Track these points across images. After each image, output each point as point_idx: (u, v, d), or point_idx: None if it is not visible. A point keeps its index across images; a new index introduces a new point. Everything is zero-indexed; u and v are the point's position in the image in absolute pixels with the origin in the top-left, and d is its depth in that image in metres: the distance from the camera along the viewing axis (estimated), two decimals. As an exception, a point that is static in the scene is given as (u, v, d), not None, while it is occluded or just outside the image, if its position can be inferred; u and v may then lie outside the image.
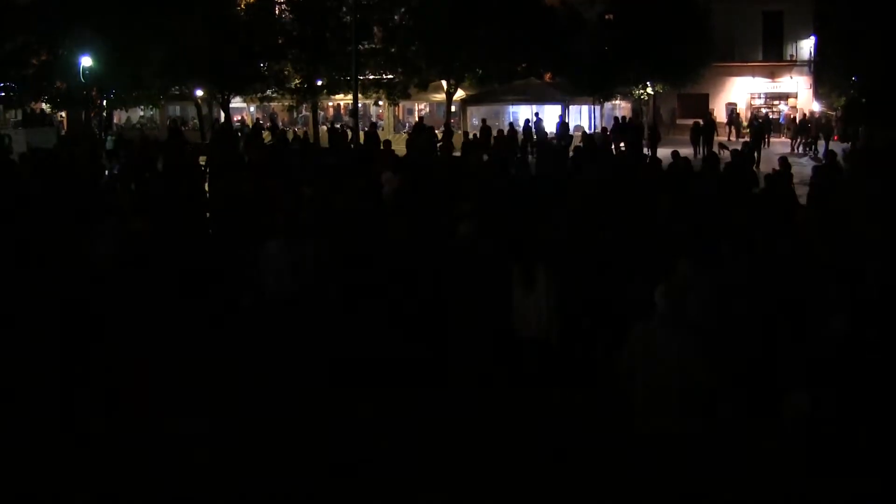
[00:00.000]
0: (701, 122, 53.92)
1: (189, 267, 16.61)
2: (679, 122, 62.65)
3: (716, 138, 51.45)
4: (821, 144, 52.64)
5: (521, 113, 56.84)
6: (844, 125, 56.11)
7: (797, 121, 62.24)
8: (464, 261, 14.39)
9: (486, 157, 32.77)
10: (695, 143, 50.79)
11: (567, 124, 50.51)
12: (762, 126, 53.78)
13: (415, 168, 25.88)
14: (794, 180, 24.74)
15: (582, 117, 60.23)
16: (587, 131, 50.93)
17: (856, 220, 17.39)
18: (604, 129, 50.94)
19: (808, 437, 10.68)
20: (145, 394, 13.32)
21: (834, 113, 64.55)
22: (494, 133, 44.93)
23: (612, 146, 44.24)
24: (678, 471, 9.31)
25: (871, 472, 10.38)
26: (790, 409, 10.89)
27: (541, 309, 12.66)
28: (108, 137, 48.56)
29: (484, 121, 51.80)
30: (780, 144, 57.81)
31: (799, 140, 57.42)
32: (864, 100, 51.89)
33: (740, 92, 71.89)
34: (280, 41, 54.23)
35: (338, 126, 52.46)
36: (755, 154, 43.76)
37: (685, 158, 26.87)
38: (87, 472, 11.13)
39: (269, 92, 55.76)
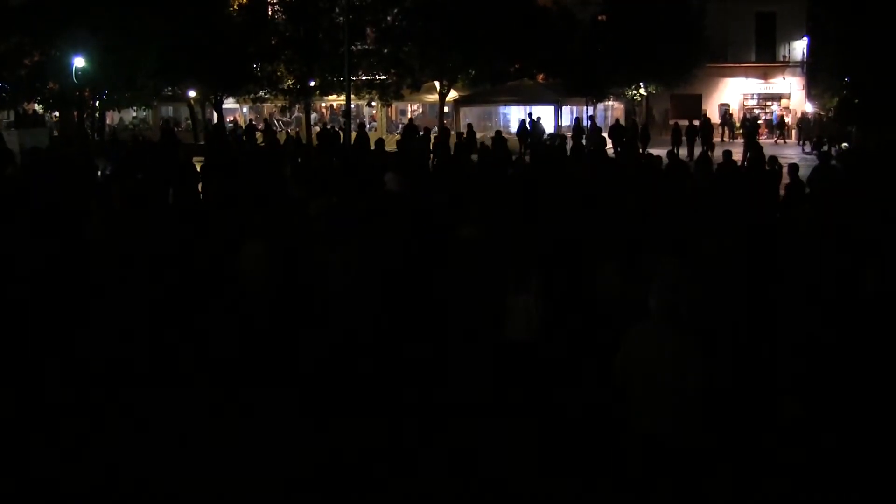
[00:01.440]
0: (684, 123, 53.92)
1: (180, 264, 16.58)
2: (672, 122, 62.73)
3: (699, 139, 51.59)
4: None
5: (513, 114, 56.99)
6: (838, 126, 56.27)
7: (807, 121, 62.82)
8: (465, 262, 14.41)
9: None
10: (675, 146, 50.39)
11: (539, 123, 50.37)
12: (753, 127, 53.77)
13: (415, 169, 25.84)
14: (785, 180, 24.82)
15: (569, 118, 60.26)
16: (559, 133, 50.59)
17: (854, 221, 17.41)
18: (598, 129, 51.07)
19: (802, 438, 10.72)
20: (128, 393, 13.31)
21: (825, 113, 64.75)
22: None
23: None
24: (673, 471, 9.30)
25: (865, 473, 10.42)
26: (784, 411, 10.92)
27: (531, 311, 12.68)
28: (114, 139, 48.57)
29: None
30: (769, 146, 58.11)
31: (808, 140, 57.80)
32: (856, 100, 51.90)
33: (733, 93, 71.93)
34: (273, 42, 54.25)
35: (329, 127, 52.45)
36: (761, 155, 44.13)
37: (681, 159, 26.98)
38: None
39: (261, 93, 55.77)
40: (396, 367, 13.73)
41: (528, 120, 51.23)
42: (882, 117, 45.51)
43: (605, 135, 48.35)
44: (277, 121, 61.83)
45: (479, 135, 46.81)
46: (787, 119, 69.18)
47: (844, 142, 52.31)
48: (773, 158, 25.99)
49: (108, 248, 16.50)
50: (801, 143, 60.96)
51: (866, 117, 48.68)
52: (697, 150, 47.56)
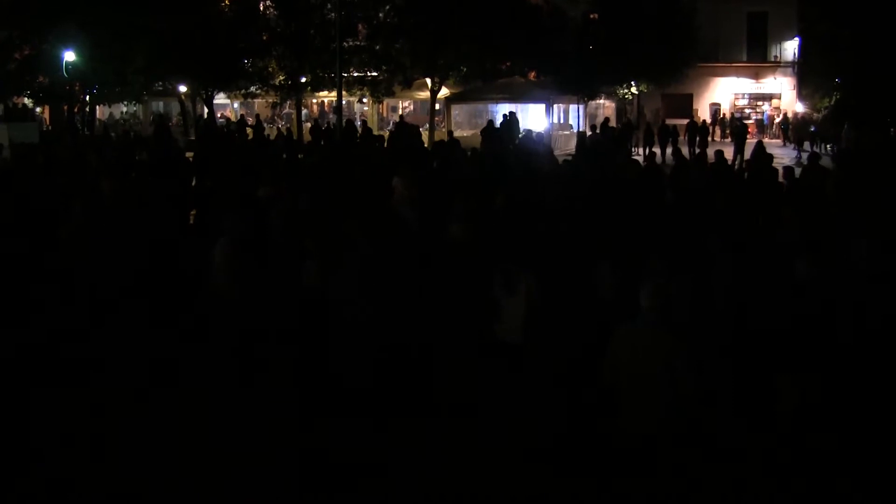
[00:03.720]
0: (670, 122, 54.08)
1: (171, 262, 16.45)
2: (658, 122, 62.81)
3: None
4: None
5: (503, 111, 56.98)
6: (832, 127, 56.49)
7: (787, 121, 63.05)
8: (453, 263, 14.32)
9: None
10: (648, 146, 50.19)
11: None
12: (743, 128, 53.89)
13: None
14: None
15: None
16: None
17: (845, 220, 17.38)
18: (592, 126, 51.12)
19: (801, 427, 10.75)
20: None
21: (818, 114, 64.94)
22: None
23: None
24: (664, 470, 9.32)
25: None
26: (782, 400, 10.94)
27: (522, 312, 12.65)
28: (111, 134, 48.58)
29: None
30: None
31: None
32: (852, 101, 52.12)
33: (724, 92, 72.13)
34: (265, 38, 54.20)
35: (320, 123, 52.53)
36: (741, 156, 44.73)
37: (683, 157, 27.09)
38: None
39: (252, 88, 55.77)
40: (387, 368, 13.65)
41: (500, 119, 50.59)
42: (876, 118, 45.73)
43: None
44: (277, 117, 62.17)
45: (469, 133, 46.72)
46: (777, 119, 69.34)
47: (832, 143, 52.58)
48: (770, 157, 26.20)
49: (82, 247, 16.29)
50: (785, 143, 61.17)
51: (861, 118, 48.86)
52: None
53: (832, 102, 62.27)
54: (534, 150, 36.03)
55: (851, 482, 10.38)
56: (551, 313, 13.19)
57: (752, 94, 72.68)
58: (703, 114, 68.26)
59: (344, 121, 47.03)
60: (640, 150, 50.03)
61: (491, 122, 48.64)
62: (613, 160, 33.03)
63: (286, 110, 61.57)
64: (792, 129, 60.72)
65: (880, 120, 45.45)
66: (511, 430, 11.84)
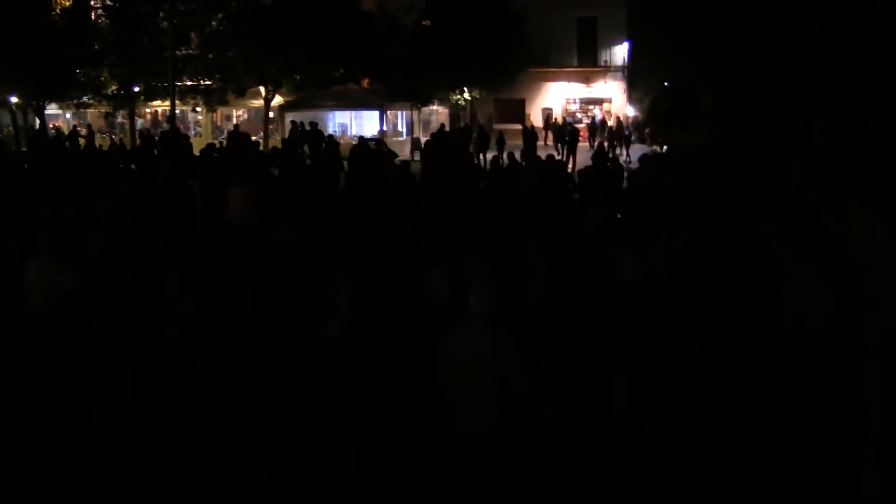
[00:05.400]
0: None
1: None
2: (496, 126, 63.46)
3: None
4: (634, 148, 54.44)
5: (338, 119, 57.28)
6: (650, 129, 57.89)
7: (615, 125, 64.14)
8: (278, 264, 14.44)
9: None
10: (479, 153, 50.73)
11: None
12: (574, 132, 54.85)
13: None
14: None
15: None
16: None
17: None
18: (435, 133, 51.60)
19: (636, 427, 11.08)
20: None
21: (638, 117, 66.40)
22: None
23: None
24: (494, 472, 9.55)
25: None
26: (616, 396, 11.28)
27: (347, 312, 12.82)
28: None
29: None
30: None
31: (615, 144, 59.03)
32: (664, 105, 53.26)
33: (556, 97, 73.23)
34: (96, 47, 53.55)
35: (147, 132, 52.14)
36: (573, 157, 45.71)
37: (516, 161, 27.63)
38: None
39: (85, 98, 55.02)
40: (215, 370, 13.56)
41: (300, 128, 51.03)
42: (688, 121, 46.82)
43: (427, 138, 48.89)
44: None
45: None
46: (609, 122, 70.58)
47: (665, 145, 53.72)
48: (615, 158, 26.96)
49: None
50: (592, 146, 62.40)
51: (674, 122, 50.02)
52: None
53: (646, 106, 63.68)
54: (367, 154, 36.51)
55: (686, 480, 10.70)
56: (377, 314, 13.38)
57: (583, 99, 73.94)
58: (536, 118, 69.20)
59: (170, 128, 46.69)
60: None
61: (291, 133, 49.06)
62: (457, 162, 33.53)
63: (119, 120, 60.74)
64: (607, 133, 61.83)
65: (695, 123, 46.50)
66: (335, 428, 11.95)
